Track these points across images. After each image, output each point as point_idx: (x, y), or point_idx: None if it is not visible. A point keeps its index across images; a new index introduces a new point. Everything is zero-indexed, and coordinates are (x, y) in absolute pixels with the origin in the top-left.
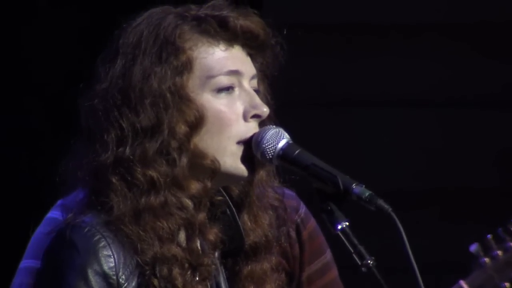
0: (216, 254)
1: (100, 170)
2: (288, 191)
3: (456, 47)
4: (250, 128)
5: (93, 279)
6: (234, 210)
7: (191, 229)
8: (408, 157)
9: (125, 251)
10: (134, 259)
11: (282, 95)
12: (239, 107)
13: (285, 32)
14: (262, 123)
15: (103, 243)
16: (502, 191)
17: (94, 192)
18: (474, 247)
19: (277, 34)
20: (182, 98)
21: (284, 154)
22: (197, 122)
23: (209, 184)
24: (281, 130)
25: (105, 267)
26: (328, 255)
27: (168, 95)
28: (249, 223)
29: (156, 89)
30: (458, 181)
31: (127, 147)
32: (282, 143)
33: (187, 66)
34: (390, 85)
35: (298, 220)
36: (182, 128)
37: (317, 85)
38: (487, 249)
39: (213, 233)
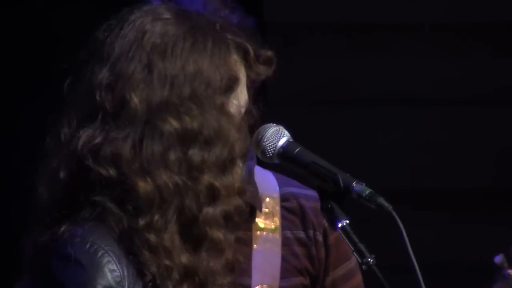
0: None
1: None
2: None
3: (458, 46)
4: None
5: None
6: None
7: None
8: (409, 156)
9: (128, 263)
10: (135, 269)
11: (283, 94)
12: None
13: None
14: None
15: (107, 258)
16: (503, 190)
17: (96, 204)
18: (498, 258)
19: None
20: (231, 116)
21: (284, 152)
22: None
23: None
24: (282, 128)
25: (112, 282)
26: (353, 261)
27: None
28: None
29: (216, 102)
30: (460, 180)
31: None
32: (282, 141)
33: (235, 87)
34: (392, 84)
35: (326, 224)
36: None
37: (318, 85)
38: (511, 261)
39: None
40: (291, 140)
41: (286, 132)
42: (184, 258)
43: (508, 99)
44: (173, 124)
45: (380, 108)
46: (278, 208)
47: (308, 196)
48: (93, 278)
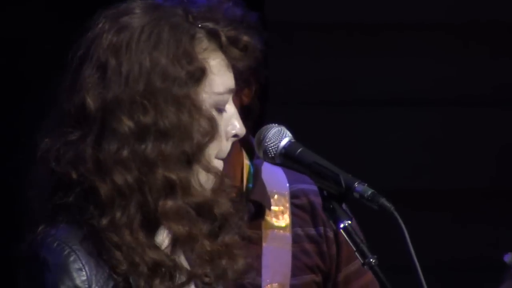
0: None
1: (107, 165)
2: None
3: (459, 46)
4: (228, 147)
5: None
6: None
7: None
8: (409, 156)
9: (97, 263)
10: (106, 270)
11: (284, 94)
12: (227, 125)
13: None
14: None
15: (73, 257)
16: (503, 190)
17: (73, 204)
18: (508, 257)
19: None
20: (196, 107)
21: (286, 153)
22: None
23: None
24: (284, 129)
25: (77, 281)
26: None
27: (186, 101)
28: None
29: (175, 95)
30: (460, 180)
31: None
32: (284, 141)
33: (202, 77)
34: (392, 84)
35: None
36: (196, 136)
37: (318, 84)
38: None
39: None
40: (293, 140)
41: (288, 133)
42: (151, 254)
43: (508, 99)
44: (126, 122)
45: (380, 108)
46: (288, 205)
47: (318, 192)
48: (58, 279)
